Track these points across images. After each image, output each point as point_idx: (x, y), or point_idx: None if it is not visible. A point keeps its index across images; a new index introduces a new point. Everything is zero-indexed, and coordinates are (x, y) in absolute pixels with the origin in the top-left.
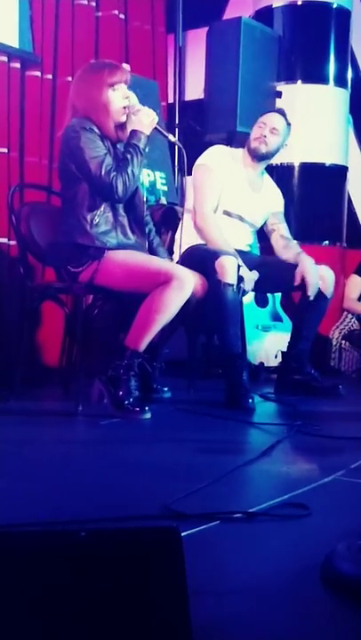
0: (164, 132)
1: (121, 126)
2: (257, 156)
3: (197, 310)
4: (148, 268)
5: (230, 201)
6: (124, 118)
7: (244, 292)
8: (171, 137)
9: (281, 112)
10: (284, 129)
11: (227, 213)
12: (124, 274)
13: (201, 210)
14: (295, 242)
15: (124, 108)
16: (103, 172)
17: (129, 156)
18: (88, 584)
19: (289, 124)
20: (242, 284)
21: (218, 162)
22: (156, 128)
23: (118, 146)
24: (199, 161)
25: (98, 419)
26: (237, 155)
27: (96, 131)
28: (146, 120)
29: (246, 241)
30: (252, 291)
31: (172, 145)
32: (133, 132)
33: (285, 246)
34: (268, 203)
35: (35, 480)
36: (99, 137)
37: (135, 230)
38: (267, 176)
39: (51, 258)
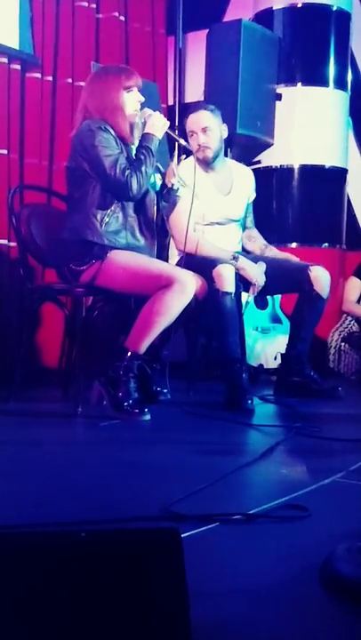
0: (175, 136)
1: (131, 130)
2: (209, 163)
3: (197, 312)
4: (150, 271)
5: (208, 213)
6: (136, 120)
7: (258, 288)
8: (182, 141)
9: (198, 107)
10: (212, 120)
11: (209, 224)
12: (126, 275)
13: (182, 235)
14: (260, 236)
15: (136, 110)
16: (118, 170)
17: (142, 157)
18: (88, 585)
19: (213, 109)
20: (253, 283)
21: (189, 179)
22: (167, 132)
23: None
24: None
25: (97, 420)
26: (191, 165)
27: (111, 131)
28: (158, 124)
29: (235, 242)
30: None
31: (172, 149)
32: (146, 134)
33: (249, 237)
34: (243, 193)
35: (34, 481)
36: (113, 138)
37: (145, 232)
38: (230, 163)
39: (54, 256)
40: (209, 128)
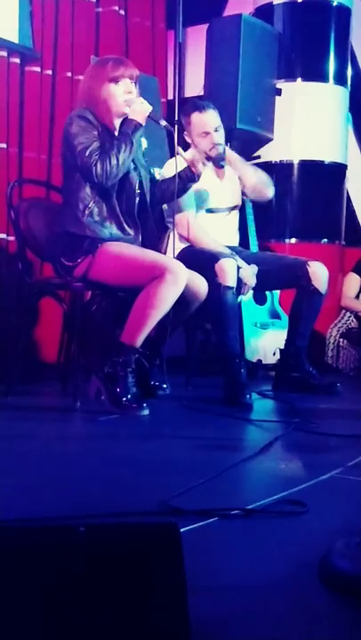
0: (156, 119)
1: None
2: (219, 160)
3: (197, 309)
4: (141, 262)
5: (207, 199)
6: (127, 110)
7: (248, 289)
8: (162, 122)
9: (204, 106)
10: (218, 118)
11: (210, 211)
12: (118, 267)
13: (182, 220)
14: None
15: (126, 101)
16: (86, 154)
17: (116, 142)
18: (86, 579)
19: (214, 106)
20: (245, 283)
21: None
22: (149, 116)
23: None
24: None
25: (96, 415)
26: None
27: (92, 120)
28: (139, 109)
29: (234, 232)
30: (252, 289)
31: (172, 145)
32: (127, 120)
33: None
34: (234, 178)
35: (33, 476)
36: (94, 127)
37: (129, 222)
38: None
39: (47, 250)
40: (219, 126)
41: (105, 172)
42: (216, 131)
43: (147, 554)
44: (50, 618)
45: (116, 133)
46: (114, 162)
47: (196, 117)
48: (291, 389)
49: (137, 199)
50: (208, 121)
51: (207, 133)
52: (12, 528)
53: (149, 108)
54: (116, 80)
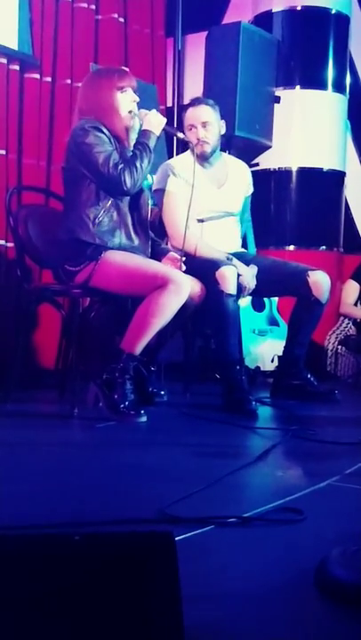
0: (172, 131)
1: (127, 131)
2: (206, 157)
3: (195, 313)
4: (145, 271)
5: (202, 206)
6: (131, 122)
7: (248, 291)
8: (179, 134)
9: (198, 101)
10: (212, 114)
11: (201, 220)
12: (120, 276)
13: (177, 232)
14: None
15: (130, 111)
16: (111, 165)
17: (137, 152)
18: (81, 588)
19: (213, 104)
20: (246, 285)
21: (176, 179)
22: (164, 129)
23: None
24: (158, 186)
25: (94, 422)
26: (189, 160)
27: (104, 131)
28: (155, 120)
29: (234, 238)
30: (251, 295)
31: (170, 149)
32: (144, 131)
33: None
34: (239, 187)
35: (29, 483)
36: (107, 137)
37: (139, 232)
38: (226, 157)
39: (49, 256)
40: (209, 123)
41: (133, 181)
42: (204, 126)
43: (141, 563)
44: (42, 627)
45: (126, 143)
46: (140, 170)
47: (188, 111)
48: (289, 396)
49: (149, 207)
50: (196, 115)
51: (193, 127)
52: (3, 536)
53: (164, 120)
54: (122, 89)
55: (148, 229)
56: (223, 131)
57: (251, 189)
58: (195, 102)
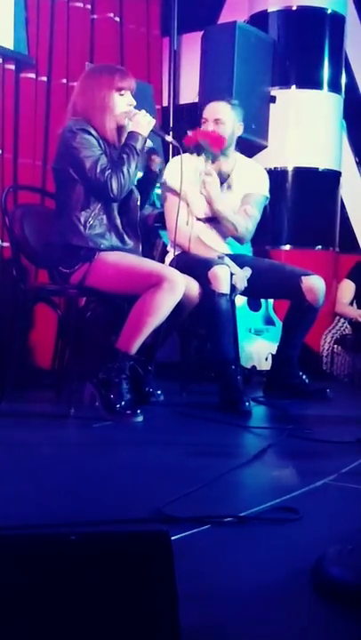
0: (161, 133)
1: (118, 132)
2: (204, 152)
3: (191, 315)
4: (139, 270)
5: (202, 206)
6: (125, 122)
7: (237, 292)
8: (168, 137)
9: (221, 97)
10: (228, 113)
11: (205, 219)
12: (115, 275)
13: (173, 227)
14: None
15: (125, 113)
16: (98, 170)
17: (125, 156)
18: (76, 588)
19: (236, 104)
20: (235, 285)
21: (177, 176)
22: (152, 130)
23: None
24: (164, 178)
25: (90, 421)
26: (195, 159)
27: (93, 132)
28: (143, 121)
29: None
30: (246, 296)
31: (166, 149)
32: (131, 133)
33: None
34: (243, 189)
35: (26, 483)
36: (95, 138)
37: (130, 234)
38: (241, 160)
39: (43, 259)
40: (221, 120)
41: (120, 186)
42: (216, 123)
43: (137, 562)
44: (38, 625)
45: (117, 144)
46: (127, 176)
47: (208, 105)
48: (281, 395)
49: (139, 210)
50: (212, 110)
51: (206, 120)
52: (1, 536)
53: (153, 121)
54: (121, 91)
55: (138, 231)
56: (239, 132)
57: (262, 192)
58: (217, 97)
